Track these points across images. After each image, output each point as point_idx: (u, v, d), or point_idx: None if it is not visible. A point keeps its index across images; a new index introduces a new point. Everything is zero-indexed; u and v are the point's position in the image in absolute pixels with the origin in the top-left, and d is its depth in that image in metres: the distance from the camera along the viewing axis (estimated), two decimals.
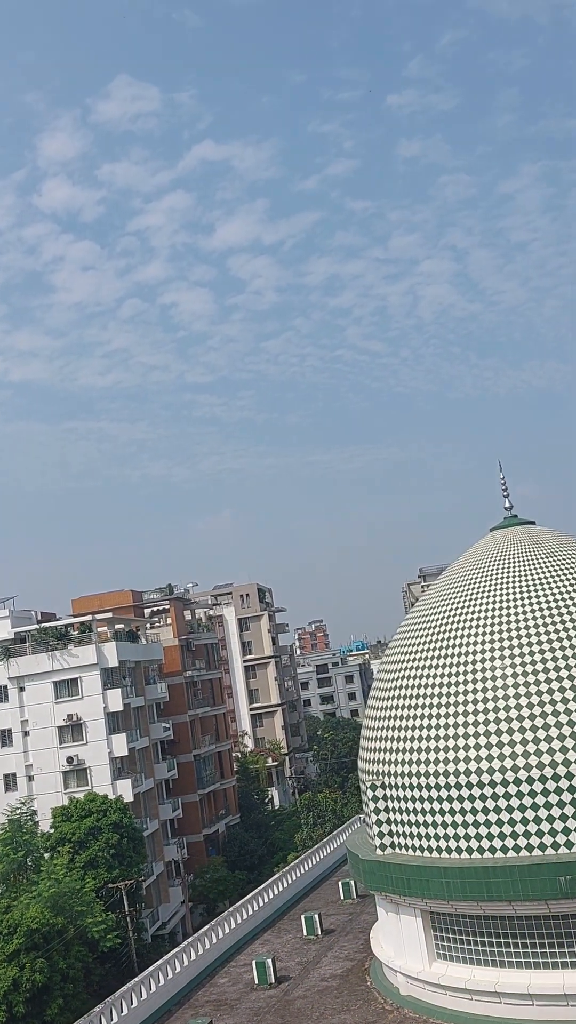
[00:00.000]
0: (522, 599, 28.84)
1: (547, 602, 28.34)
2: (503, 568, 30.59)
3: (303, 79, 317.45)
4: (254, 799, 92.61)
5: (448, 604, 30.82)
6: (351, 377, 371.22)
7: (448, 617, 30.23)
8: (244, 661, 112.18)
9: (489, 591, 29.89)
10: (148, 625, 79.13)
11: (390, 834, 28.79)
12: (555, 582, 29.03)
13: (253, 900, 41.69)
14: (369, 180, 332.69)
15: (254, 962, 33.84)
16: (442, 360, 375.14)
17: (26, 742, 64.19)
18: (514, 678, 26.84)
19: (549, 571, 29.56)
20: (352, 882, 42.13)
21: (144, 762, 67.99)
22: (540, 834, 24.97)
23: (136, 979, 32.53)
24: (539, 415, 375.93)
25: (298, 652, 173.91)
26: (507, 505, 34.35)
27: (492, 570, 30.80)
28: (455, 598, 30.79)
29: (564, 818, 24.72)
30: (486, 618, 29.00)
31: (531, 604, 28.52)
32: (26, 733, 64.27)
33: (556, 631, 27.36)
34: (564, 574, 29.29)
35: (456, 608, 30.29)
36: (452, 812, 26.51)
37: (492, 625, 28.64)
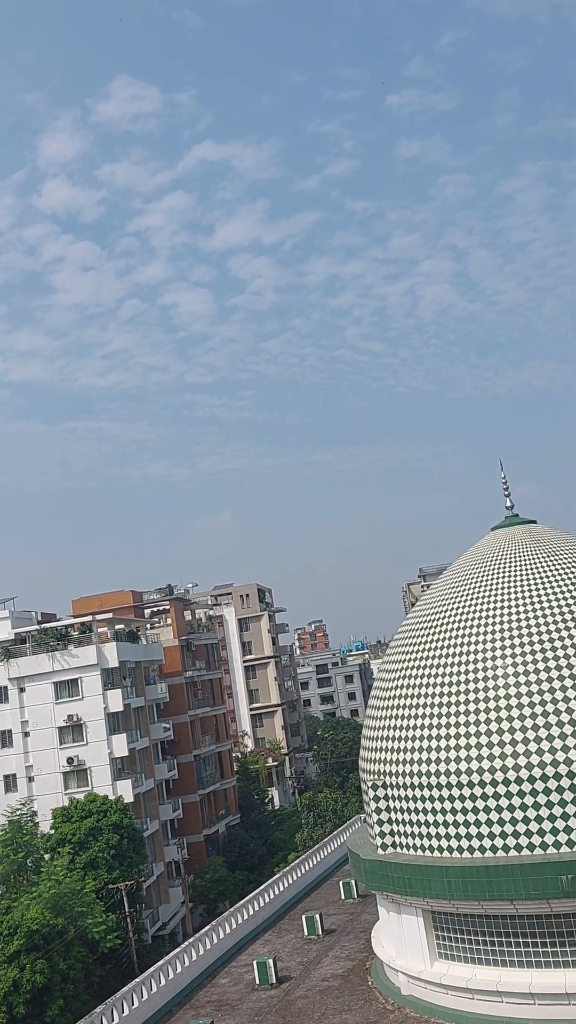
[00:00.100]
0: (524, 598, 28.78)
1: (549, 601, 28.27)
2: (505, 567, 30.52)
3: (303, 79, 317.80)
4: (254, 799, 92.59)
5: (449, 603, 30.77)
6: (351, 377, 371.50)
7: (449, 616, 30.18)
8: (244, 661, 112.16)
9: (491, 590, 29.83)
10: (148, 625, 79.12)
11: (391, 833, 28.75)
12: (557, 581, 28.97)
13: (254, 900, 41.65)
14: (369, 180, 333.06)
15: (255, 962, 33.80)
16: (442, 360, 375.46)
17: (26, 743, 64.13)
18: (516, 677, 26.80)
19: (551, 570, 29.49)
20: (353, 882, 42.11)
21: (144, 762, 67.95)
22: (542, 833, 24.93)
23: (137, 979, 32.49)
24: (539, 415, 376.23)
25: (298, 652, 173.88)
26: (508, 504, 34.32)
27: (494, 569, 30.74)
28: (456, 597, 30.74)
29: (566, 817, 24.69)
30: (488, 617, 28.94)
31: (533, 603, 28.46)
32: (26, 734, 64.21)
33: (558, 630, 27.30)
34: (567, 573, 29.22)
35: (458, 607, 30.24)
36: (453, 811, 26.47)
37: (494, 624, 28.58)
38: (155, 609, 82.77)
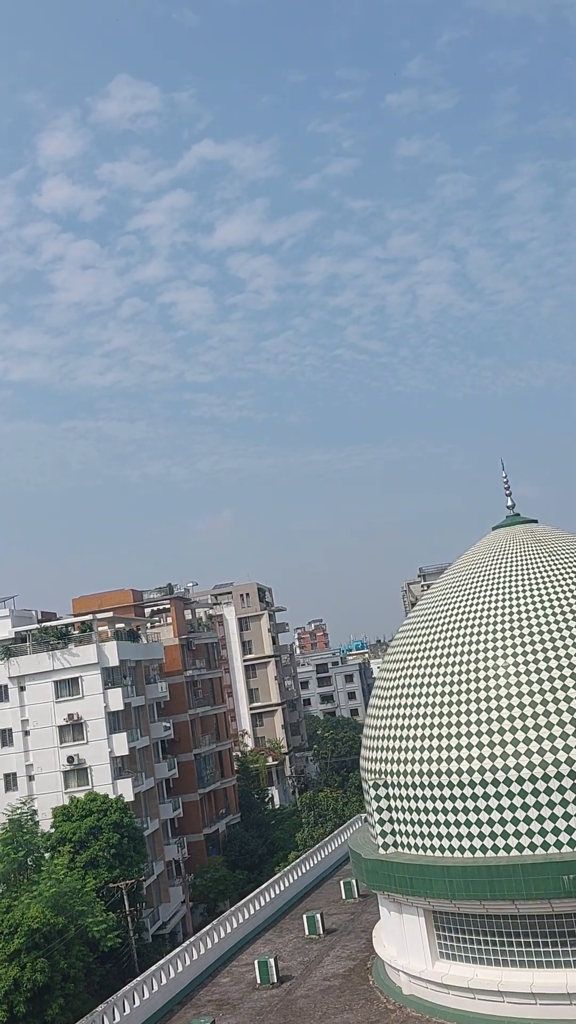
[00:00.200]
0: (525, 598, 28.74)
1: (551, 601, 28.24)
2: (506, 567, 30.48)
3: (303, 79, 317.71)
4: (254, 798, 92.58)
5: (450, 603, 30.74)
6: (350, 376, 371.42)
7: (450, 616, 30.14)
8: (244, 660, 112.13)
9: (492, 590, 29.79)
10: (148, 625, 79.08)
11: (392, 833, 28.72)
12: (558, 581, 28.93)
13: (255, 899, 41.63)
14: (368, 179, 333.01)
15: (256, 961, 33.79)
16: (441, 359, 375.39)
17: (26, 742, 64.09)
18: (517, 676, 26.76)
19: (552, 570, 29.46)
20: (354, 881, 42.10)
21: (144, 761, 67.94)
22: (543, 833, 24.91)
23: (138, 978, 32.47)
24: (538, 415, 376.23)
25: (298, 652, 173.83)
26: (509, 504, 34.28)
27: (495, 569, 30.70)
28: (457, 597, 30.70)
29: (567, 817, 24.67)
30: (489, 617, 28.90)
31: (534, 603, 28.42)
32: (26, 732, 64.16)
33: (560, 630, 27.26)
34: (567, 573, 29.19)
35: (458, 607, 30.20)
36: (455, 811, 26.44)
37: (495, 624, 28.54)
38: (155, 608, 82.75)
